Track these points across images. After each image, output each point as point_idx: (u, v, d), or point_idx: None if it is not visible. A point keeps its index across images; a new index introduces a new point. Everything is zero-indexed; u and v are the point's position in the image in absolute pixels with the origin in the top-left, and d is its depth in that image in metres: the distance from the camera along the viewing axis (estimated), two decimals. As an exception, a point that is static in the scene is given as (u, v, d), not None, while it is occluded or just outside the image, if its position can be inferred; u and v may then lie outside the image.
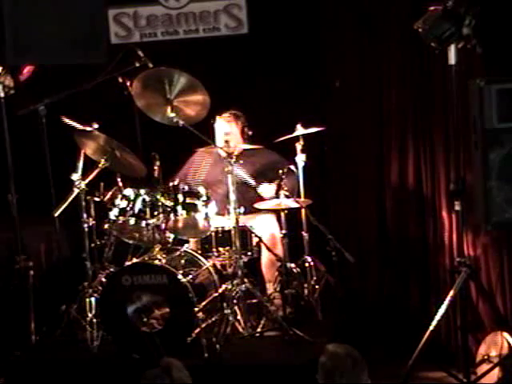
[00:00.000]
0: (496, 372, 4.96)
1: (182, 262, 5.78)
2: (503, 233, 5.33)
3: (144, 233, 5.83)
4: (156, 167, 5.79)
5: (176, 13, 6.72)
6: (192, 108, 5.94)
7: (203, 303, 5.55)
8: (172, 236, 5.87)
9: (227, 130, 6.17)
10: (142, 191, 5.74)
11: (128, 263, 5.76)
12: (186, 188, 5.82)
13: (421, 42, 5.07)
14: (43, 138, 5.72)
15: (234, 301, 5.65)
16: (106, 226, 5.84)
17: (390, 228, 6.18)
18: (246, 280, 5.71)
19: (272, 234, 6.15)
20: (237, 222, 5.73)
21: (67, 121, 5.91)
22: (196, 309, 5.44)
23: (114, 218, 5.75)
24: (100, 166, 5.82)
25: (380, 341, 5.63)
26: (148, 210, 5.71)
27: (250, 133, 6.20)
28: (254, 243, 5.99)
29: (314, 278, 6.13)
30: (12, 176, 5.81)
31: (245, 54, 6.80)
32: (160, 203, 5.70)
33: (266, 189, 6.14)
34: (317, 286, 6.12)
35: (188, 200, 5.76)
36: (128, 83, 5.93)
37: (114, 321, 5.56)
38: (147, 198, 5.73)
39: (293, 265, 6.02)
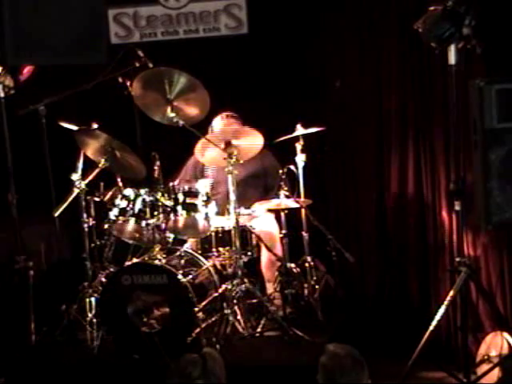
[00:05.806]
0: (496, 372, 4.95)
1: (182, 262, 5.79)
2: (503, 233, 5.32)
3: (144, 233, 5.83)
4: (156, 167, 5.80)
5: (176, 13, 6.71)
6: (192, 108, 5.94)
7: (203, 303, 5.56)
8: (172, 236, 5.88)
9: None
10: (142, 191, 5.75)
11: (128, 263, 5.76)
12: (186, 188, 5.82)
13: (421, 41, 5.07)
14: (43, 138, 5.71)
15: (234, 301, 5.65)
16: (106, 226, 5.85)
17: (389, 228, 6.18)
18: (245, 280, 5.71)
19: (270, 234, 6.15)
20: (237, 222, 5.74)
21: (64, 125, 5.91)
22: (196, 309, 5.44)
23: (113, 217, 5.76)
24: (100, 166, 5.83)
25: (380, 341, 5.62)
26: (148, 209, 5.72)
27: None
28: (254, 243, 6.00)
29: (314, 278, 6.14)
30: (12, 176, 5.81)
31: (245, 54, 6.80)
32: (160, 203, 5.71)
33: (258, 207, 6.13)
34: (317, 286, 6.12)
35: (188, 200, 5.77)
36: (128, 83, 5.93)
37: (114, 321, 5.56)
38: (147, 198, 5.74)
39: (293, 265, 6.03)
